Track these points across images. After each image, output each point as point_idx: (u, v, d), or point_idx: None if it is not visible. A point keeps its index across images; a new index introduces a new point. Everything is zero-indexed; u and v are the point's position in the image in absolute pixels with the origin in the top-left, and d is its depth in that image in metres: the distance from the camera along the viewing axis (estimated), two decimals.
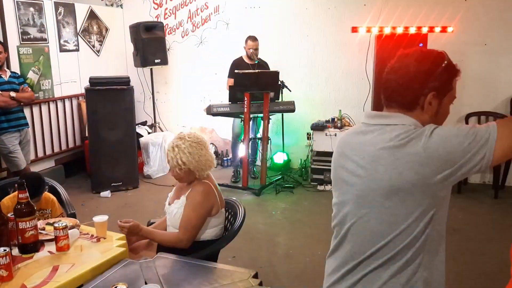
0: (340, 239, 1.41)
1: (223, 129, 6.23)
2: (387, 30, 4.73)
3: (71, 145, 5.66)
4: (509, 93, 5.03)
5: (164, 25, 6.21)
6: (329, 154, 5.12)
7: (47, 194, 2.79)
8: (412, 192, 1.20)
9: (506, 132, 1.16)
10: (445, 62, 1.27)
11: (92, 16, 5.91)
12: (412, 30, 4.67)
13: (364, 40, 5.32)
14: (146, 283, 1.71)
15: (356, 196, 1.32)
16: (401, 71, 1.29)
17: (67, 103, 5.57)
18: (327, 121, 5.37)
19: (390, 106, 1.32)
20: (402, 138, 1.22)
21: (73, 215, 2.78)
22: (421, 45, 4.64)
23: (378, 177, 1.24)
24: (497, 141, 1.15)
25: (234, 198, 2.60)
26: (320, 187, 5.17)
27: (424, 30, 4.66)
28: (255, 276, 1.81)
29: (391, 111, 1.31)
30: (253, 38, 5.29)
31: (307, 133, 5.66)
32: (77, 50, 5.68)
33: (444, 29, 4.80)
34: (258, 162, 5.55)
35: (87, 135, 5.41)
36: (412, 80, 1.27)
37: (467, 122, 5.09)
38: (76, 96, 5.68)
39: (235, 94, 4.95)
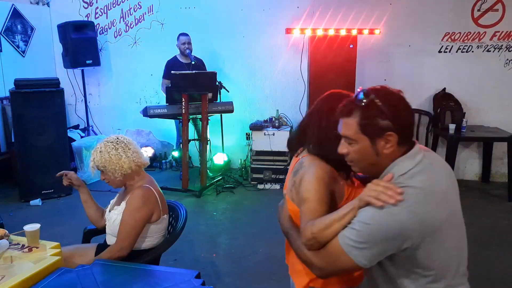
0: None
1: (161, 131, 6.12)
2: (319, 32, 4.90)
3: None
4: (432, 91, 5.40)
5: (95, 24, 5.99)
6: (268, 153, 5.26)
7: None
8: None
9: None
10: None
11: (16, 14, 5.57)
12: (343, 32, 4.87)
13: (298, 42, 5.47)
14: None
15: None
16: None
17: None
18: (265, 121, 5.46)
19: None
20: None
21: (0, 226, 2.61)
22: (351, 46, 4.86)
23: None
24: None
25: (173, 200, 2.57)
26: (260, 186, 5.24)
27: (354, 32, 4.88)
28: (198, 276, 1.80)
29: None
30: (184, 34, 5.29)
31: (246, 133, 5.72)
32: (0, 50, 5.33)
33: (372, 31, 5.06)
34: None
35: (13, 140, 5.08)
36: None
37: None
38: (0, 100, 5.32)
39: (172, 95, 4.89)
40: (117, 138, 2.27)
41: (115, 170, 2.21)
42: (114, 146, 2.23)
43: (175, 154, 5.84)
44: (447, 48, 5.31)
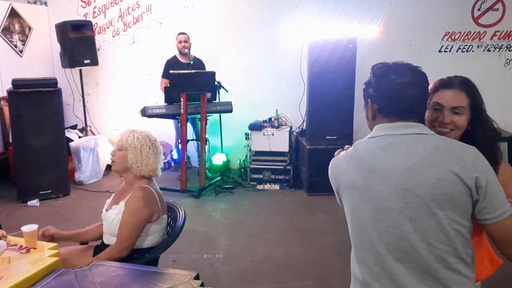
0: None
1: (159, 131, 6.08)
2: (319, 32, 4.88)
3: None
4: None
5: (93, 24, 5.96)
6: (267, 153, 5.23)
7: None
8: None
9: None
10: None
11: (13, 14, 5.54)
12: (343, 32, 4.84)
13: (297, 41, 5.45)
14: None
15: None
16: (422, 84, 1.48)
17: None
18: (265, 121, 5.44)
19: (411, 117, 1.40)
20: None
21: None
22: (351, 46, 4.83)
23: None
24: None
25: (172, 201, 2.55)
26: (259, 187, 5.21)
27: (354, 31, 4.85)
28: (197, 277, 1.78)
29: (413, 121, 1.40)
30: (182, 32, 5.29)
31: (245, 133, 5.69)
32: None
33: (372, 31, 5.04)
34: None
35: (10, 141, 5.05)
36: (427, 93, 1.52)
37: None
38: None
39: (171, 95, 4.87)
40: (156, 141, 2.31)
41: (135, 163, 2.21)
42: (152, 144, 2.27)
43: (174, 154, 5.82)
44: (447, 48, 5.30)
